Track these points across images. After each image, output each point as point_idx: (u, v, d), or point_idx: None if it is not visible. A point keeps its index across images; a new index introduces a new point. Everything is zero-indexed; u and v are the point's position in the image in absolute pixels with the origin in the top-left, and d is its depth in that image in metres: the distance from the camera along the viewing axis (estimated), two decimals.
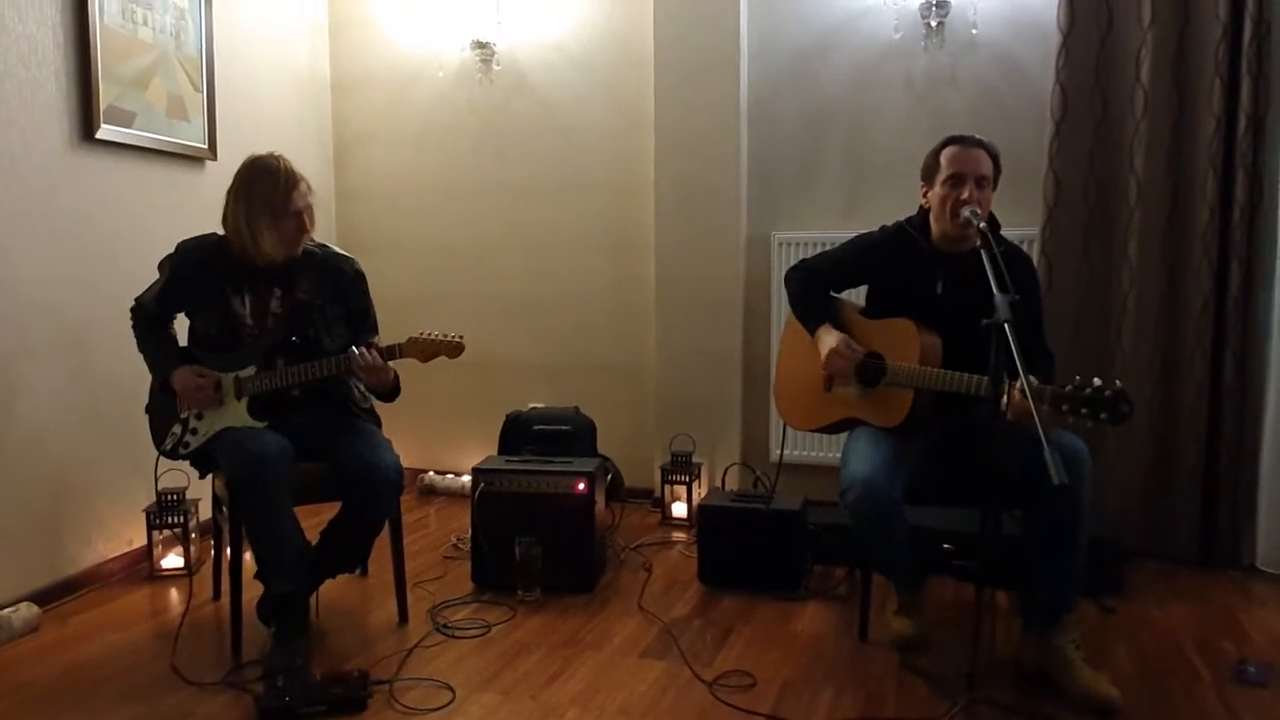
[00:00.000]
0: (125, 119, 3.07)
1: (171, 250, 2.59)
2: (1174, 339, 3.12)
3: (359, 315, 2.65)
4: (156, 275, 2.61)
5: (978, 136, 2.38)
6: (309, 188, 2.51)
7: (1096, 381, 1.94)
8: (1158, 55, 3.04)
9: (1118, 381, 1.95)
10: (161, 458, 2.58)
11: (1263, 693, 2.21)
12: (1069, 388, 1.96)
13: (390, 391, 2.58)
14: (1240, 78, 2.95)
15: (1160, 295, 3.11)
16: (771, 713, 2.12)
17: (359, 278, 2.67)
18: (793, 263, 2.71)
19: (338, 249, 2.68)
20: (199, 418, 2.52)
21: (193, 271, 2.52)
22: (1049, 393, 1.98)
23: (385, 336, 2.69)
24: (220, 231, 2.52)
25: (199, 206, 3.37)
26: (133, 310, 2.62)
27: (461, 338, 2.50)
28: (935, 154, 2.40)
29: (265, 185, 2.42)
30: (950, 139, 2.39)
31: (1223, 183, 3.01)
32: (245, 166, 2.48)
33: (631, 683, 2.29)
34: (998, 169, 2.38)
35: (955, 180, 2.32)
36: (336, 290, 2.60)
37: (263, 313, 2.54)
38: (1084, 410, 1.94)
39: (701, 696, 2.21)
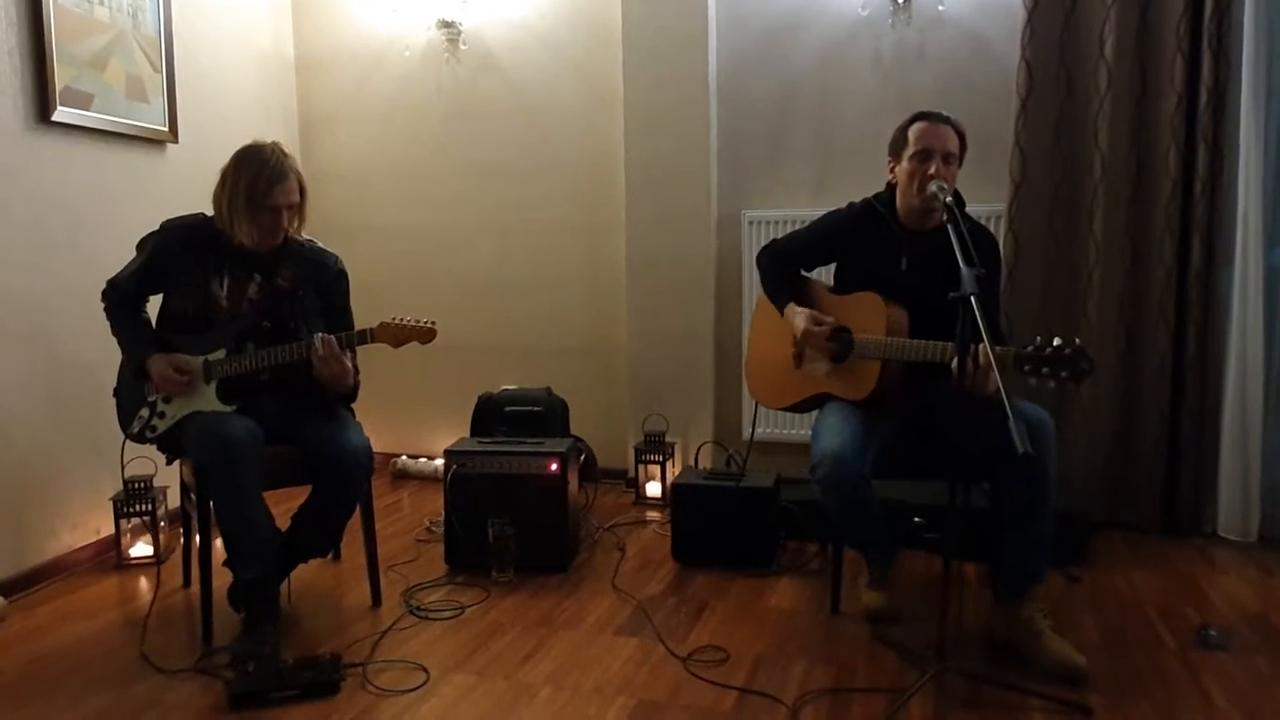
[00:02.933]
0: (82, 101, 3.01)
1: (138, 232, 2.56)
2: (1137, 312, 3.17)
3: (337, 312, 2.63)
4: (120, 260, 2.57)
5: (945, 113, 2.39)
6: (300, 187, 2.46)
7: (1056, 341, 1.98)
8: (1121, 31, 3.07)
9: (1077, 339, 1.98)
10: (128, 443, 2.54)
11: (1224, 656, 2.27)
12: (1029, 348, 2.01)
13: (348, 395, 2.57)
14: (1201, 53, 2.99)
15: (1124, 269, 3.15)
16: (745, 686, 2.14)
17: (341, 276, 2.66)
18: (763, 241, 2.73)
19: (323, 245, 2.65)
20: (167, 401, 2.48)
21: (176, 250, 2.49)
22: (1011, 354, 2.01)
23: (355, 321, 2.67)
24: (206, 211, 2.49)
25: (161, 190, 3.33)
26: (106, 291, 2.56)
27: (434, 323, 2.48)
28: (903, 130, 2.41)
29: (249, 173, 2.39)
30: (918, 115, 2.41)
31: (1184, 157, 3.05)
32: (240, 150, 2.44)
33: (606, 660, 2.30)
34: (964, 146, 2.40)
35: (923, 155, 2.34)
36: (318, 285, 2.59)
37: (239, 297, 2.51)
38: (1045, 369, 1.98)
39: (675, 672, 2.23)
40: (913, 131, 2.37)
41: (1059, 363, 1.97)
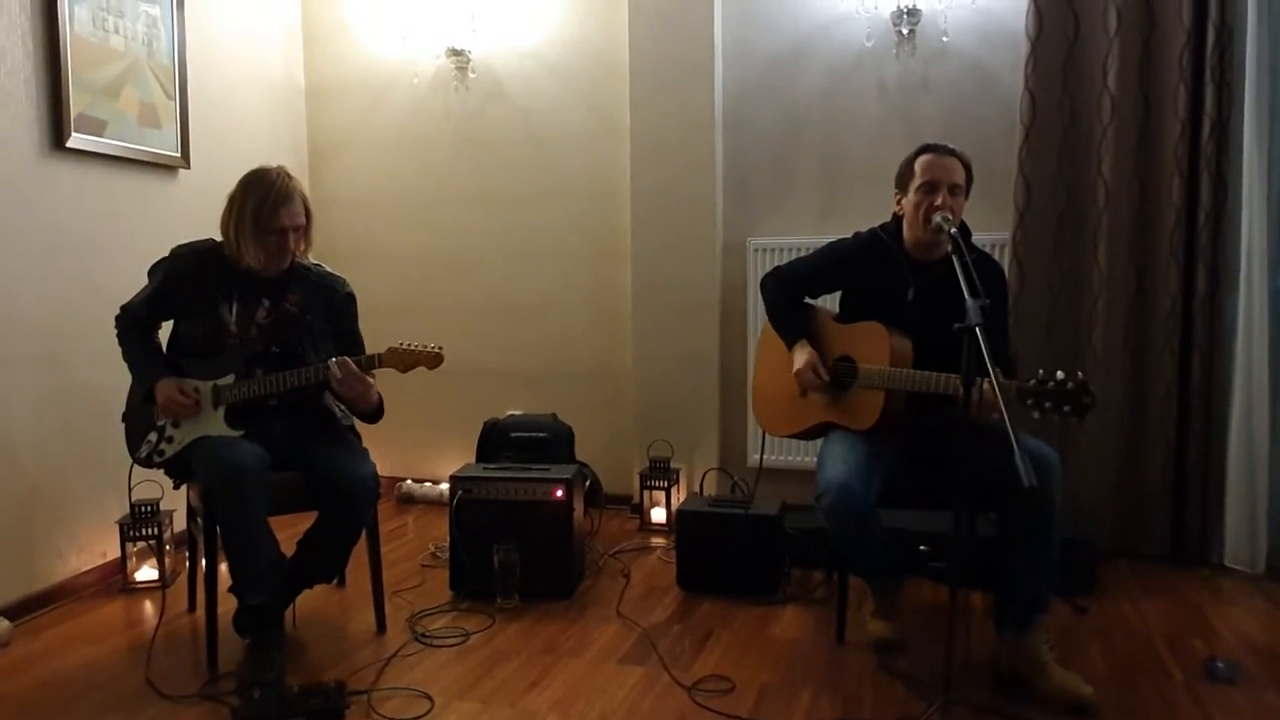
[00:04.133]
0: (96, 127, 3.05)
1: (149, 258, 2.59)
2: (1143, 340, 3.17)
3: (346, 336, 2.65)
4: (131, 285, 2.59)
5: (951, 146, 2.41)
6: (306, 209, 2.49)
7: (1060, 375, 1.99)
8: (1124, 62, 3.10)
9: (1080, 374, 1.99)
10: (135, 467, 2.56)
11: (1231, 689, 2.25)
12: (1033, 382, 2.02)
13: (373, 412, 2.58)
14: (1204, 83, 3.02)
15: (1129, 297, 3.16)
16: (750, 716, 2.14)
17: (350, 300, 2.69)
18: (769, 268, 2.74)
19: (330, 269, 2.68)
20: (175, 425, 2.50)
21: (187, 277, 2.52)
22: (1014, 388, 2.02)
23: (363, 345, 2.69)
24: (216, 237, 2.52)
25: (173, 216, 3.36)
26: (118, 317, 2.58)
27: (441, 349, 2.50)
28: (910, 162, 2.43)
29: (256, 197, 2.42)
30: (924, 147, 2.42)
31: (1188, 186, 3.07)
32: (246, 175, 2.48)
33: (610, 689, 2.30)
34: (970, 178, 2.41)
35: (929, 187, 2.35)
36: (327, 309, 2.61)
37: (248, 322, 2.54)
38: (1048, 404, 1.99)
39: (680, 701, 2.22)
40: (919, 164, 2.39)
41: (1062, 397, 1.98)
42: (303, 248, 2.55)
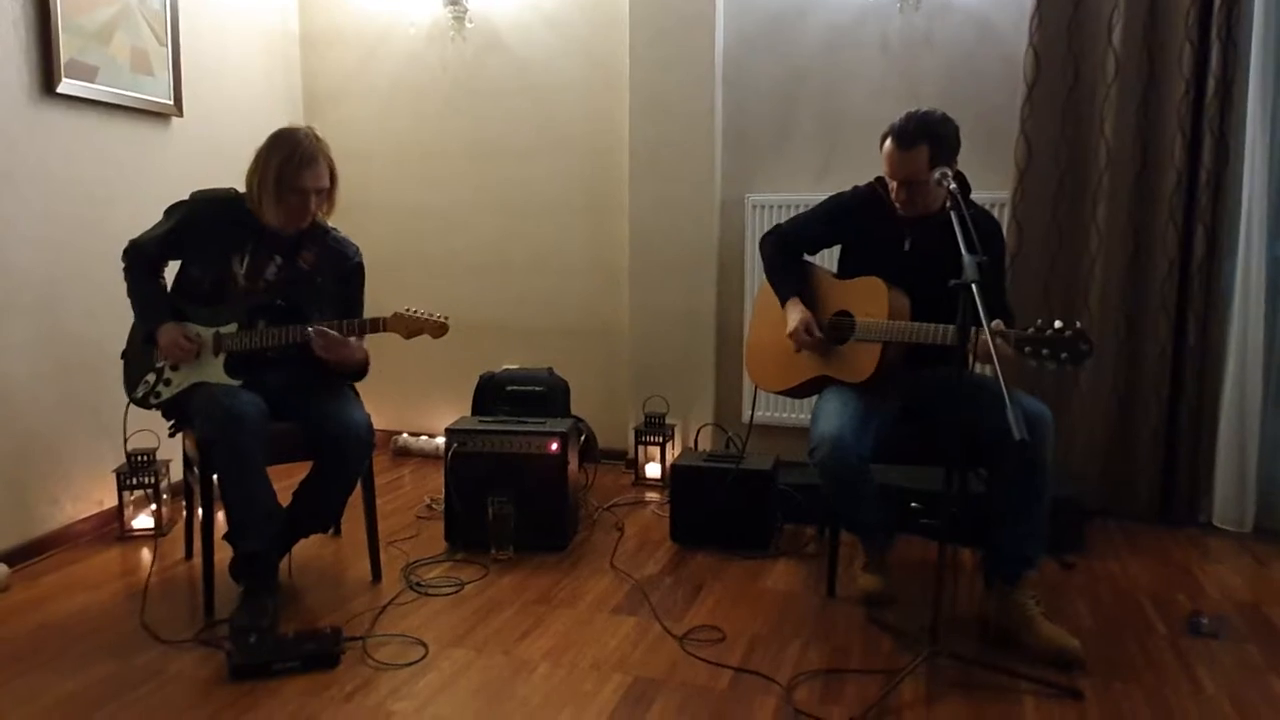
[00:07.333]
0: (87, 73, 3.00)
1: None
2: (1139, 302, 3.17)
3: (350, 301, 2.65)
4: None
5: (918, 124, 2.29)
6: (331, 172, 2.48)
7: (1057, 323, 2.00)
8: (1129, 19, 3.06)
9: (1078, 322, 1.99)
10: (131, 415, 2.56)
11: (1214, 643, 2.29)
12: (1030, 330, 2.02)
13: (357, 372, 2.59)
14: (1210, 42, 2.98)
15: (1126, 258, 3.15)
16: (740, 665, 2.17)
17: (358, 270, 2.69)
18: (767, 224, 2.74)
19: (345, 235, 2.68)
20: (174, 369, 2.51)
21: (204, 224, 2.51)
22: (1012, 336, 2.02)
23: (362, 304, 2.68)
24: (239, 188, 2.51)
25: (165, 163, 3.32)
26: (127, 251, 2.57)
27: (446, 318, 2.50)
28: (883, 139, 2.38)
29: (280, 155, 2.41)
30: (891, 132, 2.35)
31: (1190, 147, 3.05)
32: (274, 133, 2.47)
33: (603, 638, 2.33)
34: (946, 150, 2.30)
35: (889, 179, 2.39)
36: (337, 273, 2.62)
37: (256, 276, 2.53)
38: (1045, 351, 1.99)
39: (671, 650, 2.25)
40: (884, 153, 2.36)
41: (1059, 344, 1.98)
42: (324, 210, 2.55)
